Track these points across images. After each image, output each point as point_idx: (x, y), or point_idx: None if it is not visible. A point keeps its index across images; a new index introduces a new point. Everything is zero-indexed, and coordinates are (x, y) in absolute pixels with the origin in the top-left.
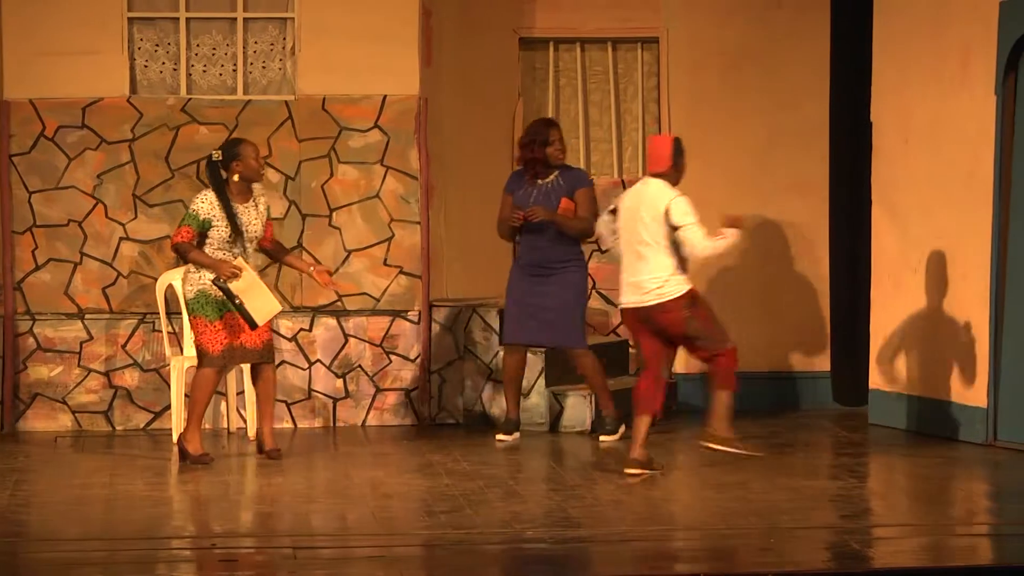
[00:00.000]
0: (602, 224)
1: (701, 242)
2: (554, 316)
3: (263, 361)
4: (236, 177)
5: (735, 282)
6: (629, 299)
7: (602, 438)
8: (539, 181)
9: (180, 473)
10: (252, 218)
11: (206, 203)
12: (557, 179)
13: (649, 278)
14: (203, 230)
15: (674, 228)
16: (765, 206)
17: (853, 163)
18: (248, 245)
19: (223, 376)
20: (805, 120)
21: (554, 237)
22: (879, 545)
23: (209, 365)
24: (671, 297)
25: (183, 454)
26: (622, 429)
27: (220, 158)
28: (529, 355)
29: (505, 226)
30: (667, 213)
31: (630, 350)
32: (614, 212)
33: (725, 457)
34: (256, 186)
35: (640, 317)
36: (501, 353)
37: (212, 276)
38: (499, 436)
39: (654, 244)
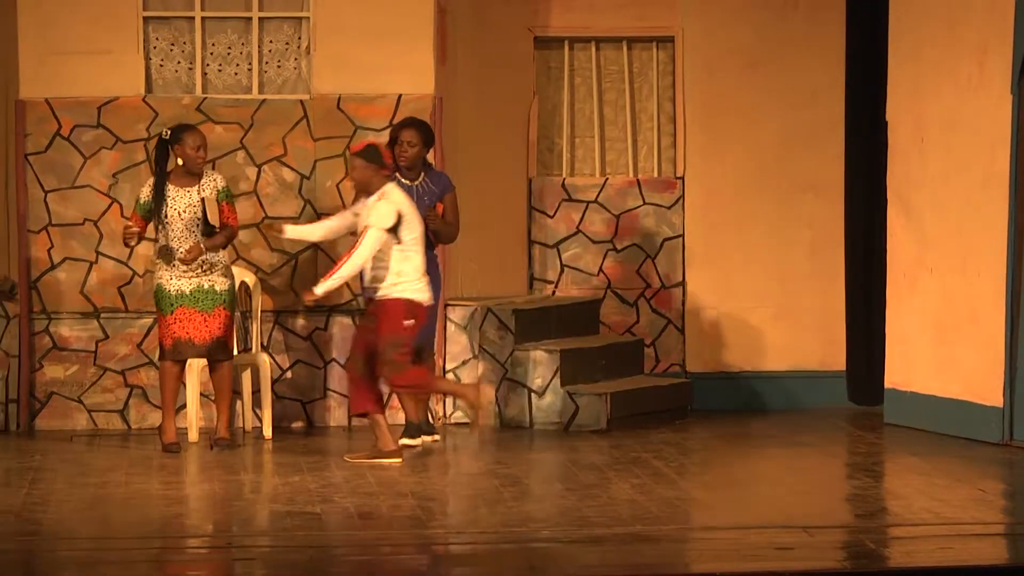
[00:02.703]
0: (346, 219)
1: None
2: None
3: (214, 358)
4: (179, 161)
5: (751, 281)
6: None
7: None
8: (407, 183)
9: (196, 472)
10: (190, 203)
11: (147, 187)
12: (425, 181)
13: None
14: (147, 215)
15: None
16: (780, 205)
17: (869, 162)
18: (182, 229)
19: (182, 367)
20: (820, 119)
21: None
22: (895, 544)
23: (161, 358)
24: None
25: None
26: (425, 439)
27: (168, 137)
28: (544, 354)
29: None
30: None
31: (645, 349)
32: (357, 215)
33: (737, 457)
34: (213, 173)
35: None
36: (517, 353)
37: (162, 270)
38: (404, 441)
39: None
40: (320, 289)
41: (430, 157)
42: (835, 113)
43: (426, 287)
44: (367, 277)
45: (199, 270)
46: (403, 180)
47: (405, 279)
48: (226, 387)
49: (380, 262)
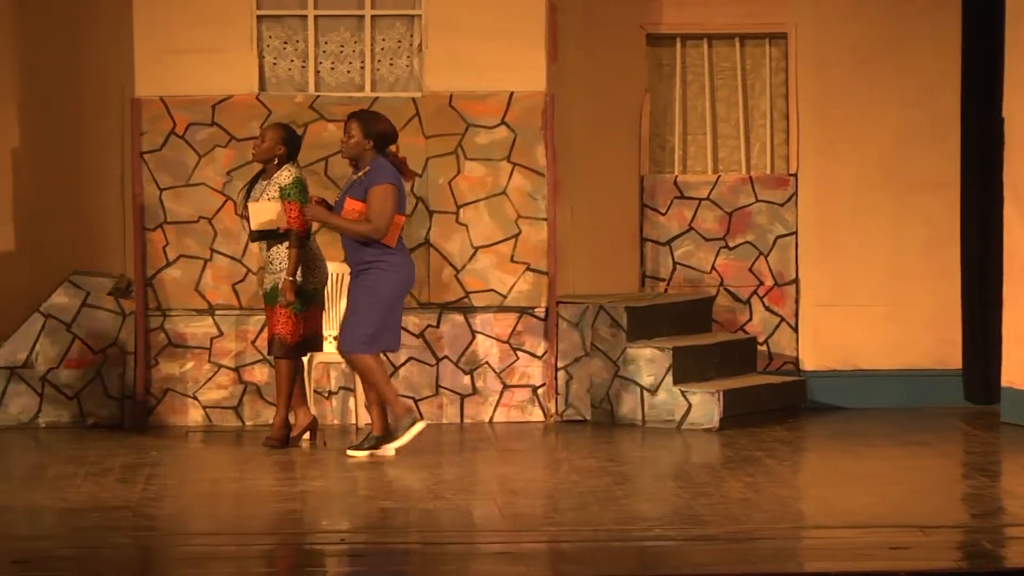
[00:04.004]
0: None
1: None
2: (345, 319)
3: (271, 354)
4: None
5: (865, 279)
6: None
7: (391, 446)
8: (352, 176)
9: (309, 468)
10: (258, 195)
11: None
12: (365, 175)
13: None
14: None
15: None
16: (895, 202)
17: (985, 158)
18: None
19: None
20: (936, 116)
21: (351, 239)
22: (1012, 545)
23: (284, 355)
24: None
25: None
26: (415, 427)
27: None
28: (656, 351)
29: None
30: None
31: (758, 346)
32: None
33: (851, 456)
34: (290, 169)
35: None
36: (629, 350)
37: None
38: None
39: None
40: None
41: (548, 152)
42: (951, 109)
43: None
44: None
45: (268, 267)
46: (352, 175)
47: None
48: (281, 385)
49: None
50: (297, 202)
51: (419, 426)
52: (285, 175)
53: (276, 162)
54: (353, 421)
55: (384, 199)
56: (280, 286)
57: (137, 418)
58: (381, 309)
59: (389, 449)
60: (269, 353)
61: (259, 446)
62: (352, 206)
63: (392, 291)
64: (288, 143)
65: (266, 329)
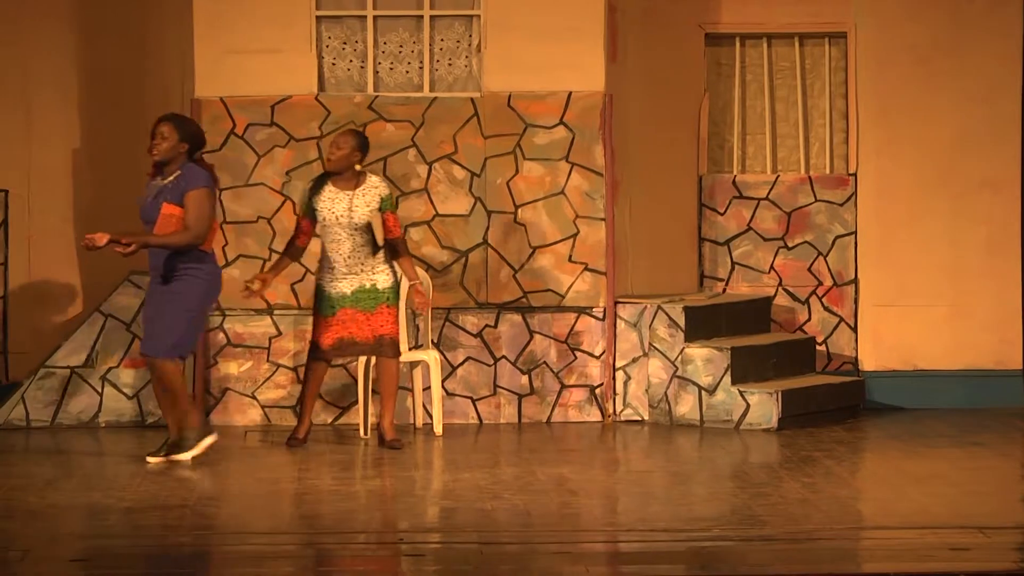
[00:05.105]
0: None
1: None
2: (151, 325)
3: (380, 355)
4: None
5: (924, 279)
6: None
7: (180, 457)
8: (159, 182)
9: (367, 468)
10: (353, 204)
11: (309, 186)
12: (175, 180)
13: None
14: (310, 214)
15: None
16: (955, 202)
17: None
18: (342, 231)
19: (325, 369)
20: (997, 115)
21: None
22: None
23: (315, 357)
24: None
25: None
26: (205, 441)
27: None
28: (715, 352)
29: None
30: None
31: (817, 347)
32: None
33: (910, 457)
34: (373, 178)
35: None
36: (687, 350)
37: (323, 271)
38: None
39: None
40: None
41: (606, 152)
42: (1011, 110)
43: None
44: None
45: (358, 271)
46: (159, 180)
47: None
48: (393, 385)
49: None
50: (394, 212)
51: (210, 439)
52: (380, 185)
53: (355, 168)
54: (411, 420)
55: (202, 204)
56: (408, 289)
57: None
58: (189, 316)
59: (185, 457)
60: (374, 354)
61: (318, 444)
62: (170, 211)
63: (200, 299)
64: (365, 149)
65: (355, 330)
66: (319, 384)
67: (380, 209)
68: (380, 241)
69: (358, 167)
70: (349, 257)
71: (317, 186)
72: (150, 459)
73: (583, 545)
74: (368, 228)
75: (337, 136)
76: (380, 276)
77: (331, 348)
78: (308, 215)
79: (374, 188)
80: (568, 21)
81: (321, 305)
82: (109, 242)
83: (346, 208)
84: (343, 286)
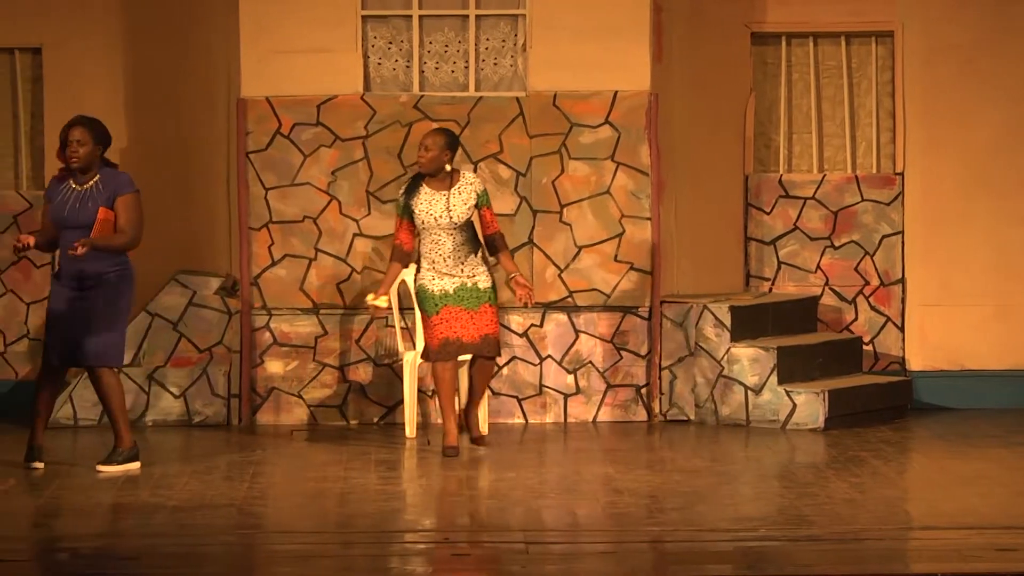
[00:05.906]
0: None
1: None
2: (90, 333)
3: (482, 354)
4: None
5: (971, 279)
6: None
7: (101, 467)
8: (75, 187)
9: (413, 467)
10: (451, 204)
11: (403, 188)
12: (97, 184)
13: None
14: (409, 216)
15: None
16: (1002, 202)
17: None
18: (442, 232)
19: (456, 366)
20: None
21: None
22: None
23: (430, 359)
24: None
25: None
26: (129, 466)
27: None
28: (761, 351)
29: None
30: None
31: (864, 346)
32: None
33: (957, 457)
34: (468, 175)
35: None
36: (733, 350)
37: (425, 270)
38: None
39: None
40: None
41: (652, 152)
42: None
43: None
44: None
45: (459, 270)
46: (73, 185)
47: None
48: (486, 383)
49: None
50: (490, 207)
51: (134, 465)
52: (475, 181)
53: (447, 168)
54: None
55: (135, 208)
56: (510, 281)
57: (243, 417)
58: (125, 320)
59: (102, 468)
60: (480, 355)
61: (364, 444)
62: (106, 215)
63: (130, 300)
64: (454, 147)
65: (460, 330)
66: (450, 385)
67: (476, 205)
68: (480, 237)
69: (448, 167)
70: (450, 257)
71: (412, 188)
72: (101, 468)
73: (629, 545)
74: (468, 226)
75: (424, 137)
76: (480, 277)
77: (439, 350)
78: (407, 217)
79: (469, 185)
80: (614, 20)
81: (425, 305)
82: (35, 245)
83: (444, 209)
84: (446, 284)
